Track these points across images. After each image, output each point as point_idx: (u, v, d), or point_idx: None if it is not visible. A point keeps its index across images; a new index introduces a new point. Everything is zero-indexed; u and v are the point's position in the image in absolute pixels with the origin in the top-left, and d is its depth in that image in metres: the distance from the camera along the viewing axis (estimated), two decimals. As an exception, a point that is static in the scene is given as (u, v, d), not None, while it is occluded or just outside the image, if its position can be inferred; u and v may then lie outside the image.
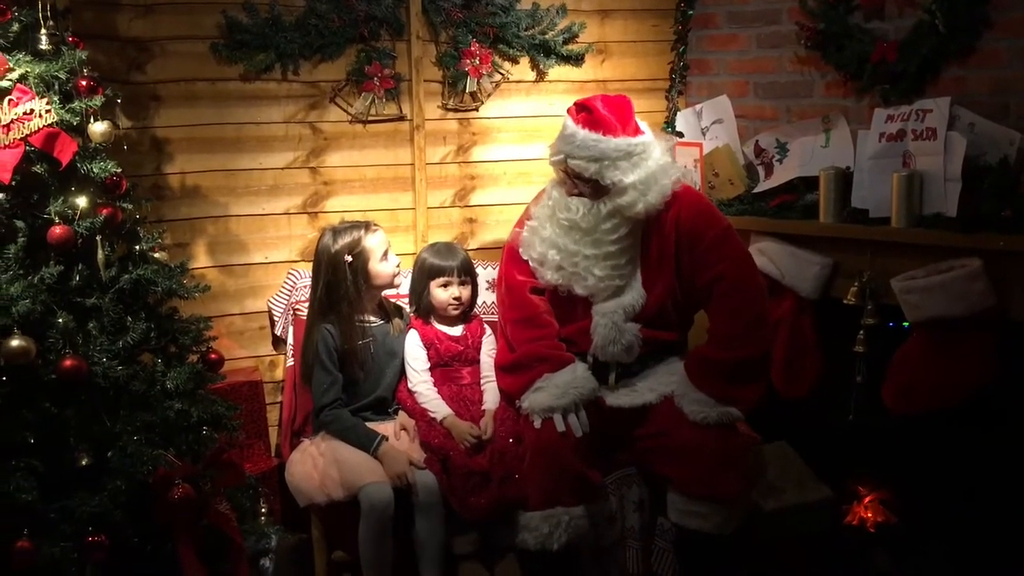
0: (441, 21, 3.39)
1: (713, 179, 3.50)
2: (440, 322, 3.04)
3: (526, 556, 2.78)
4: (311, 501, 2.79)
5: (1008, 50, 2.82)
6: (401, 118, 3.43)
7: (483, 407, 2.95)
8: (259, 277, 3.36)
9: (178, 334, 2.64)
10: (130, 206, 2.57)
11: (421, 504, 2.71)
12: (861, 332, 3.05)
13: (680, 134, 3.64)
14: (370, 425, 2.87)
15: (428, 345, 2.99)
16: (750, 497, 2.90)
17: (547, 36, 3.52)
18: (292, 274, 3.31)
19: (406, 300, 3.15)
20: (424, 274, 3.02)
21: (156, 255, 2.63)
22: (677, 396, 2.80)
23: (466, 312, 3.07)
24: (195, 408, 2.54)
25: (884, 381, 2.99)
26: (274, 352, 3.41)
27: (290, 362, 3.22)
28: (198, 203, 3.25)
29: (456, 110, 3.51)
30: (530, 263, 2.92)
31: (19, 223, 2.32)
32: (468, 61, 3.41)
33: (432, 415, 2.90)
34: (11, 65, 2.32)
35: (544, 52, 3.53)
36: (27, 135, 2.28)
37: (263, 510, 2.90)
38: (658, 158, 2.79)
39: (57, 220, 2.32)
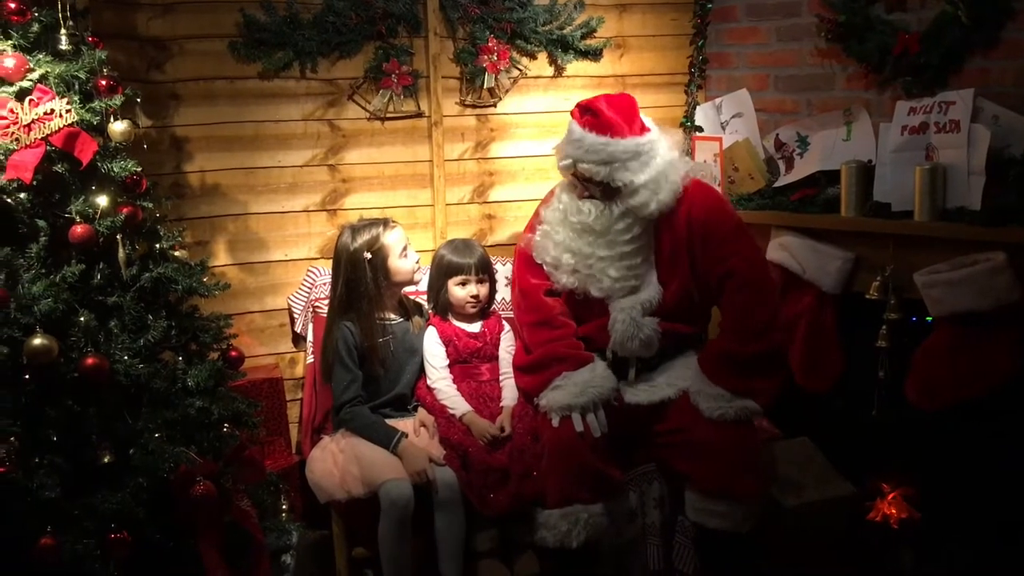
0: (458, 17, 3.39)
1: (733, 173, 3.48)
2: (458, 319, 3.04)
3: (545, 553, 2.78)
4: (331, 498, 2.79)
5: (1032, 41, 2.79)
6: (419, 115, 3.43)
7: (502, 403, 2.95)
8: (279, 275, 3.37)
9: (199, 332, 2.65)
10: (150, 205, 2.58)
11: (441, 500, 2.71)
12: (884, 327, 3.03)
13: (699, 128, 3.62)
14: (390, 422, 2.88)
15: (447, 342, 2.99)
16: (768, 495, 2.88)
17: (565, 31, 3.51)
18: (311, 271, 3.32)
19: (425, 297, 3.15)
20: (442, 272, 3.02)
21: (176, 253, 2.65)
22: (692, 393, 2.78)
23: (484, 309, 3.07)
24: (216, 405, 2.55)
25: (907, 376, 2.96)
26: (294, 349, 3.42)
27: (310, 359, 3.23)
28: (218, 201, 3.27)
29: (474, 106, 3.50)
30: (544, 267, 2.92)
31: (41, 222, 2.33)
32: (486, 57, 3.40)
33: (451, 412, 2.90)
34: (32, 65, 2.33)
35: (562, 47, 3.52)
36: (48, 135, 2.30)
37: (284, 507, 2.91)
38: (665, 154, 2.77)
39: (78, 219, 2.34)
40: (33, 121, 2.28)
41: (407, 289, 3.07)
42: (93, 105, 2.41)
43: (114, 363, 2.34)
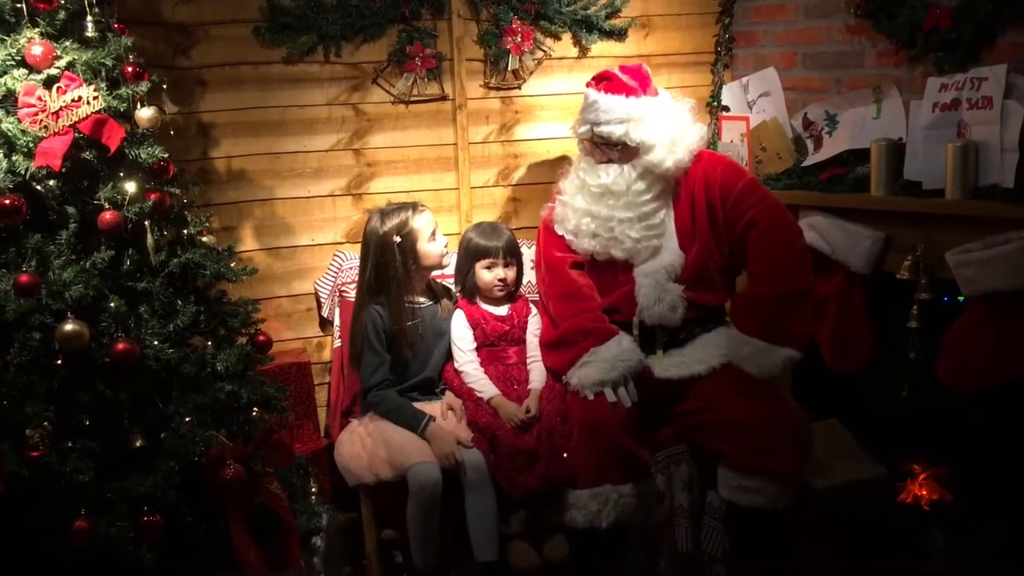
0: (482, -1, 3.37)
1: (760, 153, 3.44)
2: (486, 302, 3.04)
3: (575, 534, 2.78)
4: (360, 481, 2.81)
5: (1068, 14, 2.73)
6: (443, 98, 3.42)
7: (529, 386, 2.95)
8: (305, 259, 3.39)
9: (227, 317, 2.68)
10: (178, 191, 2.60)
11: (470, 482, 2.71)
12: (915, 307, 2.99)
13: (726, 108, 3.58)
14: (417, 405, 2.88)
15: (474, 325, 2.99)
16: (803, 473, 2.86)
17: (589, 11, 3.48)
18: (338, 256, 3.33)
19: (452, 280, 3.15)
20: (469, 255, 3.01)
21: (204, 239, 2.67)
22: (735, 362, 2.79)
23: (511, 292, 3.06)
24: (245, 390, 2.58)
25: (938, 357, 2.92)
26: (321, 334, 3.44)
27: (337, 343, 3.25)
28: (244, 187, 3.28)
29: (498, 88, 3.49)
30: (565, 236, 2.97)
31: (70, 209, 2.36)
32: (510, 39, 3.38)
33: (479, 395, 2.90)
34: (59, 53, 2.35)
35: (586, 28, 3.49)
36: (76, 122, 2.31)
37: (313, 490, 2.94)
38: (679, 117, 2.88)
39: (107, 206, 2.36)
40: (61, 108, 2.30)
41: (435, 273, 3.07)
42: (120, 92, 2.43)
43: (144, 348, 2.36)
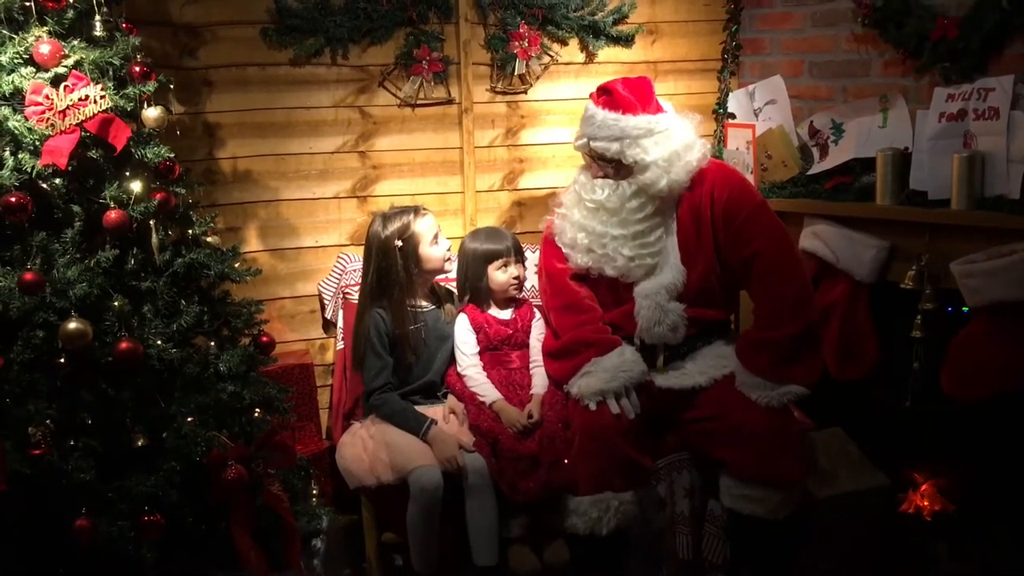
0: (489, 3, 3.37)
1: (766, 161, 3.44)
2: (499, 305, 3.04)
3: (575, 540, 2.78)
4: (361, 483, 2.81)
5: (1076, 25, 2.73)
6: (450, 101, 3.42)
7: (531, 391, 2.94)
8: (309, 261, 3.39)
9: (230, 317, 2.67)
10: (183, 191, 2.60)
11: (471, 486, 2.71)
12: (919, 317, 2.99)
13: (732, 115, 3.58)
14: (419, 409, 2.88)
15: (478, 329, 2.99)
16: (805, 482, 2.86)
17: (596, 17, 3.48)
18: (342, 258, 3.33)
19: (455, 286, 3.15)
20: (479, 261, 3.01)
21: (209, 239, 2.66)
22: (738, 383, 2.77)
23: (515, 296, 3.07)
24: (247, 390, 2.57)
25: (942, 367, 2.92)
26: (324, 335, 3.44)
27: (340, 345, 3.25)
28: (249, 188, 3.29)
29: (505, 93, 3.49)
30: (563, 249, 2.95)
31: (75, 208, 2.36)
32: (517, 43, 3.39)
33: (481, 399, 2.90)
34: (67, 52, 2.35)
35: (593, 33, 3.49)
36: (83, 121, 2.31)
37: (314, 491, 2.93)
38: (680, 135, 2.81)
39: (112, 205, 2.36)
40: (68, 107, 2.30)
41: (439, 277, 3.07)
42: (127, 91, 2.43)
43: (147, 347, 2.36)
